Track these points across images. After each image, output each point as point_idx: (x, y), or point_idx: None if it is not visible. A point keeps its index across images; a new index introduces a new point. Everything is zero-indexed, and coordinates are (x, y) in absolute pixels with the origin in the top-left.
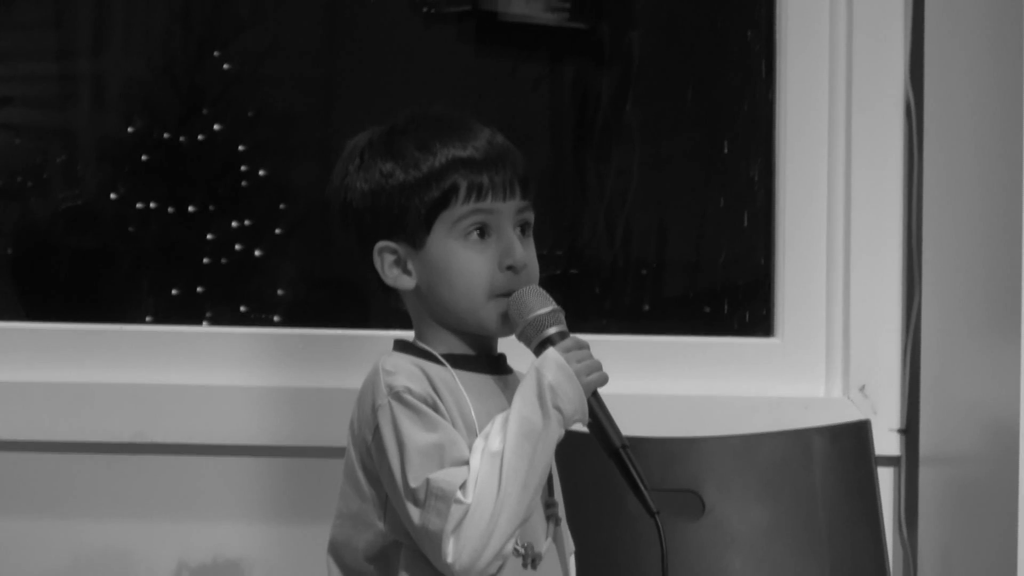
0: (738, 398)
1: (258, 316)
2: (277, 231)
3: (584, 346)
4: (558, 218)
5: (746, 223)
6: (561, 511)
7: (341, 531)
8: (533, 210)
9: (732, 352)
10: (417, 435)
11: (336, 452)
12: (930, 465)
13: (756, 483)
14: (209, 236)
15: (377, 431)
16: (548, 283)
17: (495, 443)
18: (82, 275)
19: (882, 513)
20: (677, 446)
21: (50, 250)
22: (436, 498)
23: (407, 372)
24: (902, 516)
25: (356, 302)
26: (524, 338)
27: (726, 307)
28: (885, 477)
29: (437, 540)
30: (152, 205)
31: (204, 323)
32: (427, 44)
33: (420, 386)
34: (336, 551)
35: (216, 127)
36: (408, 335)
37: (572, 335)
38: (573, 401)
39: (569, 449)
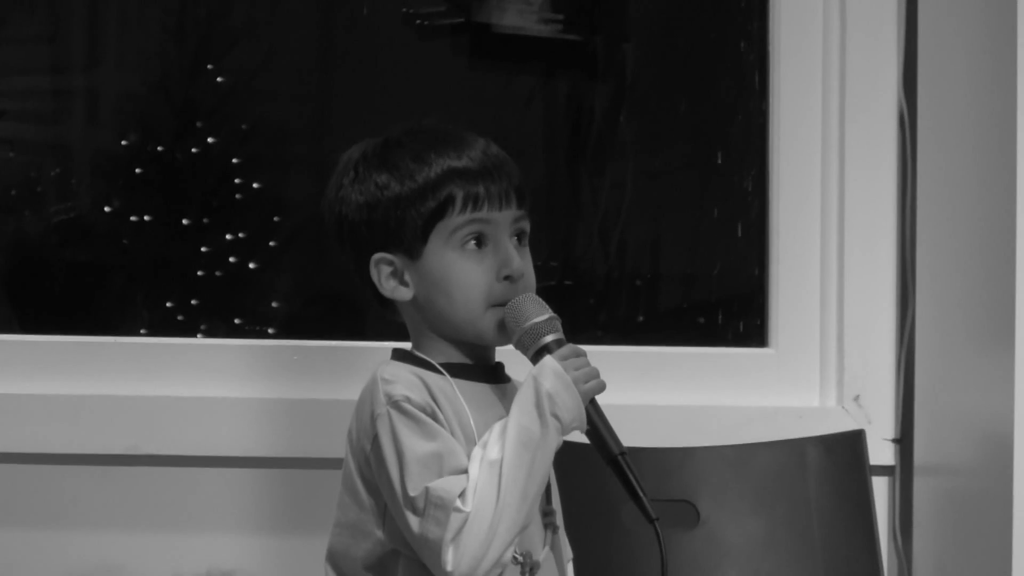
0: (733, 408)
1: (252, 328)
2: (271, 244)
3: (581, 354)
4: (553, 230)
5: (740, 234)
6: (559, 519)
7: (339, 540)
8: (529, 219)
9: (727, 363)
10: (416, 444)
11: (331, 463)
12: (925, 475)
13: (751, 493)
14: (203, 249)
15: (376, 440)
16: (543, 294)
17: (493, 452)
18: (77, 288)
19: (877, 522)
20: (672, 456)
21: (45, 263)
22: (435, 507)
23: (406, 381)
24: (897, 525)
25: (351, 314)
26: (521, 346)
27: (720, 318)
28: (880, 487)
29: (436, 549)
30: (146, 218)
31: (198, 335)
32: (421, 57)
33: (419, 395)
34: (334, 560)
35: (210, 140)
36: (404, 346)
37: (569, 343)
38: (571, 409)
39: (567, 458)
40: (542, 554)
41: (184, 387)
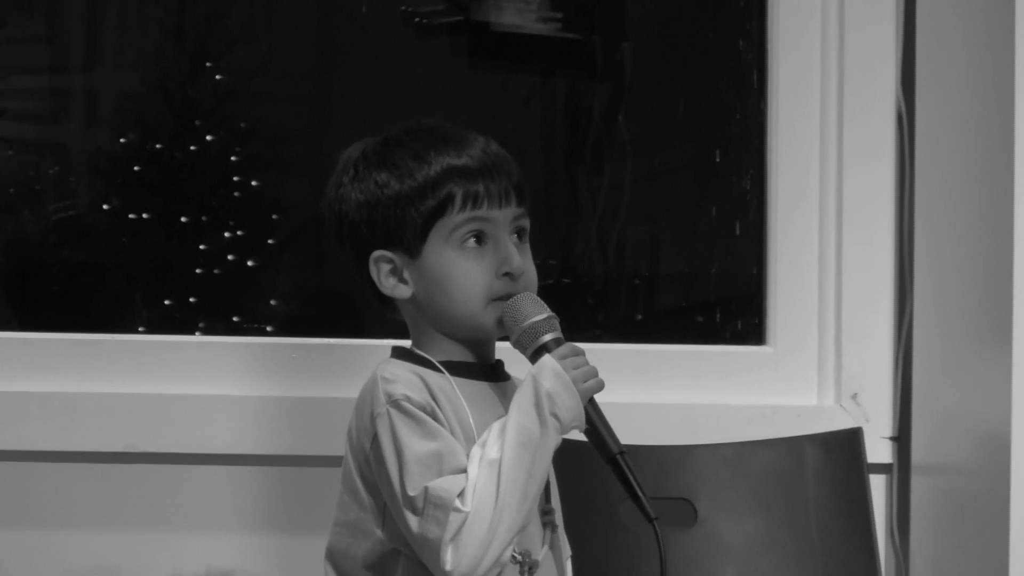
0: (731, 407)
1: (251, 326)
2: (270, 242)
3: (580, 353)
4: (551, 229)
5: (738, 233)
6: (558, 518)
7: (339, 539)
8: (529, 217)
9: (725, 361)
10: (416, 444)
11: (330, 461)
12: (922, 473)
13: (749, 491)
14: (202, 247)
15: (376, 439)
16: (541, 293)
17: (493, 451)
18: (75, 286)
19: (874, 520)
20: (670, 455)
21: (44, 261)
22: (434, 507)
23: (406, 380)
24: (894, 523)
25: (349, 312)
26: (520, 345)
27: (719, 316)
28: (877, 485)
29: (436, 548)
30: (145, 216)
31: (197, 333)
32: (419, 56)
33: (419, 394)
34: (334, 559)
35: (209, 139)
36: (403, 344)
37: (568, 342)
38: (570, 408)
39: (566, 456)
40: (541, 553)
41: (182, 385)
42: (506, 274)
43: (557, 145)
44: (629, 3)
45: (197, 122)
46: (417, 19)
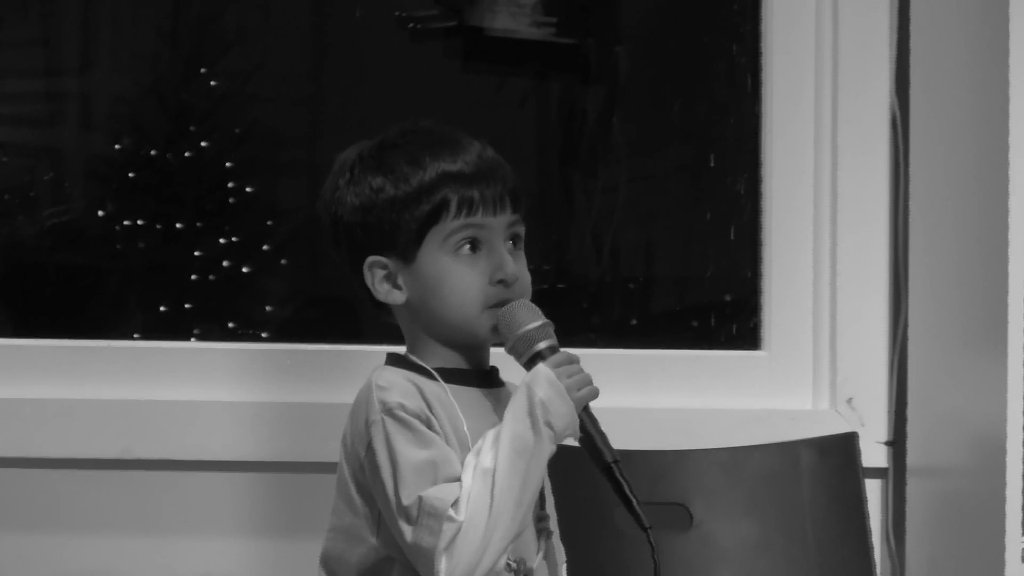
0: (726, 411)
1: (246, 332)
2: (265, 247)
3: (574, 360)
4: (546, 233)
5: (733, 237)
6: (553, 524)
7: (334, 545)
8: (524, 223)
9: (720, 365)
10: (410, 452)
11: (325, 467)
12: (918, 477)
13: (744, 496)
14: (197, 253)
15: (370, 447)
16: (535, 298)
17: (487, 460)
18: (70, 292)
19: (870, 525)
20: (665, 459)
21: (38, 267)
22: (428, 516)
23: (400, 388)
24: (890, 528)
25: (344, 318)
26: (515, 353)
27: (713, 320)
28: (873, 489)
29: (430, 557)
30: (140, 222)
31: (192, 339)
32: (413, 60)
33: (414, 402)
34: (328, 564)
35: (203, 144)
36: (398, 349)
37: (562, 349)
38: (564, 417)
39: (561, 461)
40: (536, 560)
41: (177, 391)
42: (500, 281)
43: (551, 148)
44: (623, 6)
45: (192, 127)
46: (411, 23)
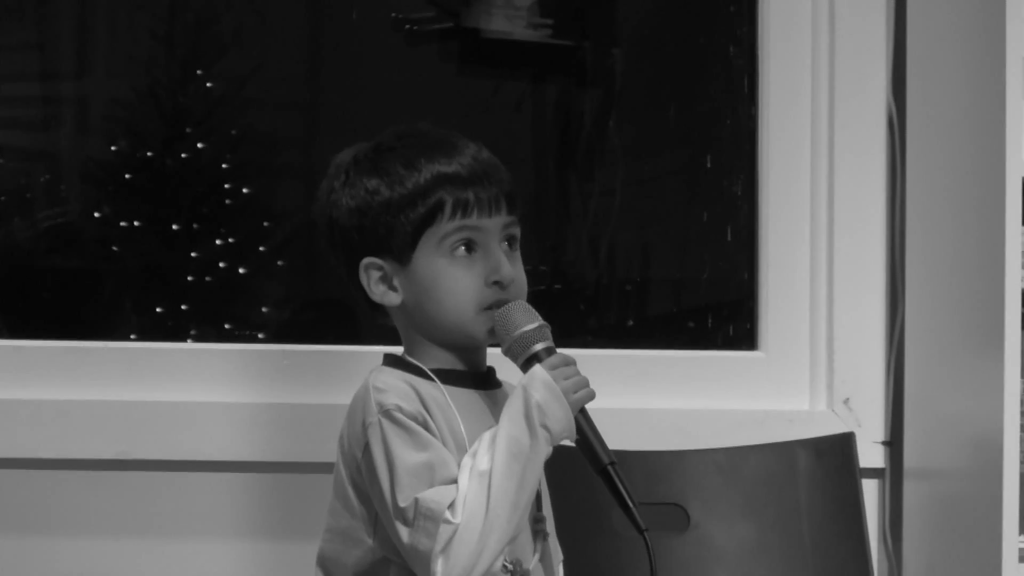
0: (723, 412)
1: (242, 333)
2: (261, 249)
3: (571, 362)
4: (542, 235)
5: (730, 238)
6: (550, 525)
7: (330, 546)
8: (520, 224)
9: (717, 366)
10: (407, 454)
11: (322, 468)
12: (914, 477)
13: (741, 496)
14: (193, 254)
15: (367, 449)
16: (532, 299)
17: (483, 462)
18: (67, 294)
19: (867, 525)
20: (662, 460)
21: (35, 269)
22: (425, 518)
23: (397, 390)
24: (887, 528)
25: (340, 319)
26: (511, 354)
27: (710, 322)
28: (870, 489)
29: (426, 560)
30: (136, 224)
31: (188, 340)
32: (410, 63)
33: (410, 404)
34: (325, 565)
35: (200, 146)
36: (395, 351)
37: (559, 351)
38: (560, 420)
39: (558, 462)
40: (532, 562)
41: (174, 392)
42: (496, 282)
43: (548, 151)
44: (619, 8)
45: (188, 129)
46: (408, 26)
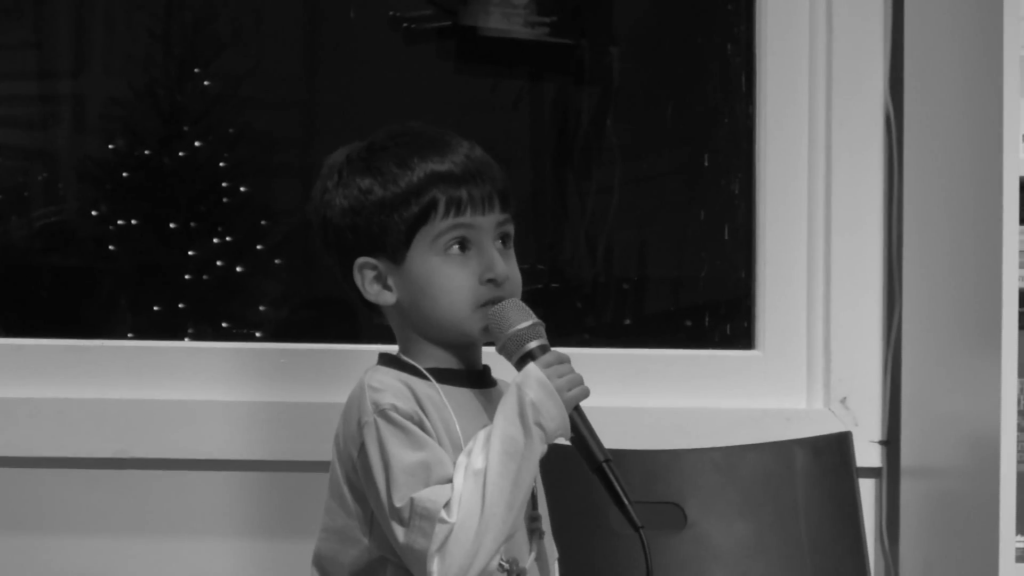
0: (720, 411)
1: (239, 332)
2: (258, 247)
3: (565, 360)
4: (540, 234)
5: (727, 237)
6: (545, 524)
7: (327, 545)
8: (513, 222)
9: (714, 365)
10: (402, 454)
11: (319, 466)
12: (911, 477)
13: (738, 495)
14: (191, 252)
15: (363, 448)
16: (529, 298)
17: (478, 461)
18: (63, 292)
19: (864, 524)
20: (659, 459)
21: (31, 267)
22: (420, 517)
23: (393, 389)
24: (884, 527)
25: (337, 317)
26: (505, 352)
27: (707, 320)
28: (867, 489)
29: (422, 559)
30: (133, 222)
31: (186, 339)
32: (407, 61)
33: (406, 403)
34: (321, 564)
35: (197, 144)
36: (390, 349)
37: (553, 349)
38: (555, 418)
39: (554, 460)
40: (528, 560)
41: (171, 390)
42: (490, 280)
43: (545, 149)
44: (617, 7)
45: (185, 128)
46: (405, 24)
